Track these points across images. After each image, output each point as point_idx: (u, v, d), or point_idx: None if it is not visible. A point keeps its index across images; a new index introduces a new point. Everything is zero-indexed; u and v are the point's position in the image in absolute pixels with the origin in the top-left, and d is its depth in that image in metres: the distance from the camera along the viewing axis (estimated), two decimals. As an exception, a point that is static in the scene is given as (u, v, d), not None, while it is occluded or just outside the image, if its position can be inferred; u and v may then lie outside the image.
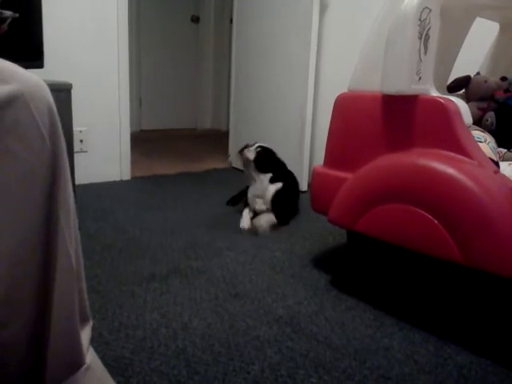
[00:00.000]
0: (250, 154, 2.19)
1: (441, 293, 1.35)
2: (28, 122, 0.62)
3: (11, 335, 0.68)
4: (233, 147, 3.56)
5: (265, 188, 2.22)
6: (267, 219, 2.16)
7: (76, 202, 2.01)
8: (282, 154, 2.91)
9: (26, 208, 0.65)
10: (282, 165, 2.33)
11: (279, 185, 2.23)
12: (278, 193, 2.21)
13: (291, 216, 2.30)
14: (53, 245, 0.71)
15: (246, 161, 2.22)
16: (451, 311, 1.34)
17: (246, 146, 2.25)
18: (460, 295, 1.31)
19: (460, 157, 1.25)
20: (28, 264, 0.68)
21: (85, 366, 0.78)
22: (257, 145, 2.25)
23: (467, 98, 1.79)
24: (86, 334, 0.81)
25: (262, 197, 2.23)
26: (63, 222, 0.71)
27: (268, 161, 2.24)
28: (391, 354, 1.19)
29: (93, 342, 1.17)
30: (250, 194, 2.28)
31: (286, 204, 2.24)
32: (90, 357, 0.81)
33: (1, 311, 0.66)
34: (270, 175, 2.22)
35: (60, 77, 2.00)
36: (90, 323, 0.86)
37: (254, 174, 2.23)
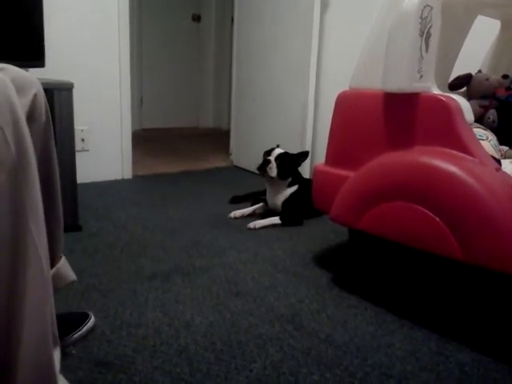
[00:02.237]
0: (273, 172, 2.19)
1: (442, 290, 1.35)
2: None
3: None
4: (234, 146, 3.56)
5: (280, 193, 2.27)
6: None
7: (78, 201, 2.01)
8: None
9: None
10: (300, 156, 2.32)
11: (294, 187, 2.26)
12: (291, 195, 2.25)
13: (309, 215, 2.28)
14: (22, 249, 0.65)
15: (268, 177, 2.23)
16: (453, 309, 1.34)
17: (265, 162, 2.21)
18: (462, 293, 1.31)
19: (462, 155, 1.25)
20: None
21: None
22: (274, 155, 2.22)
23: (469, 96, 1.78)
24: (57, 359, 0.75)
25: (276, 203, 2.29)
26: (34, 229, 0.67)
27: (288, 168, 2.24)
28: (393, 351, 1.20)
29: (95, 339, 1.18)
30: (270, 201, 2.32)
31: (298, 205, 2.25)
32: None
33: None
34: (289, 180, 2.26)
35: (61, 76, 2.00)
36: (59, 345, 0.80)
37: (276, 182, 2.26)
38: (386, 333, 1.28)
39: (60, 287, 1.04)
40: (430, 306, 1.39)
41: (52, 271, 0.96)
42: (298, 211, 2.24)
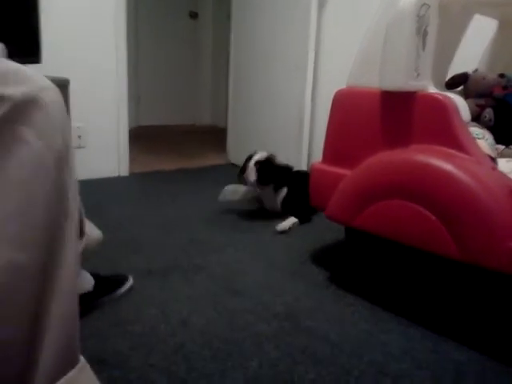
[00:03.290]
0: (251, 177, 2.17)
1: (438, 289, 1.36)
2: (41, 117, 0.70)
3: (6, 331, 0.67)
4: (231, 143, 3.56)
5: (272, 199, 2.28)
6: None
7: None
8: (281, 150, 2.91)
9: (36, 189, 0.70)
10: (284, 169, 2.31)
11: (284, 191, 2.25)
12: (284, 200, 2.25)
13: (312, 212, 2.27)
14: (63, 231, 0.73)
15: (249, 182, 2.20)
16: (449, 307, 1.35)
17: (245, 167, 2.22)
18: (458, 291, 1.31)
19: (458, 153, 1.26)
20: (33, 246, 0.69)
21: (79, 365, 0.77)
22: (254, 160, 2.20)
23: (465, 95, 1.78)
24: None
25: (274, 207, 2.29)
26: (73, 210, 0.75)
27: (268, 174, 2.21)
28: (389, 349, 1.20)
29: (92, 336, 1.18)
30: (267, 206, 2.33)
31: (297, 205, 2.24)
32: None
33: None
34: (272, 185, 2.25)
35: (57, 72, 1.99)
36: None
37: (260, 189, 2.26)
38: (382, 331, 1.29)
39: (92, 248, 1.17)
40: (426, 305, 1.40)
41: (84, 237, 1.08)
42: (299, 208, 2.23)
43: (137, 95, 4.82)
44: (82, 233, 1.07)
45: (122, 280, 1.44)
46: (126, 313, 1.31)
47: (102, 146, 2.84)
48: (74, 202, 0.77)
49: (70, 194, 0.75)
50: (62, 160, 0.73)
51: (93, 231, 1.18)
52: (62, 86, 1.88)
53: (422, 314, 1.37)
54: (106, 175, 2.88)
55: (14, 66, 0.72)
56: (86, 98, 2.69)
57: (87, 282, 1.29)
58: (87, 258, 1.17)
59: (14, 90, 0.67)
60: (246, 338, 1.22)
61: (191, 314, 1.33)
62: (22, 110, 0.68)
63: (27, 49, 1.95)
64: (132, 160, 3.05)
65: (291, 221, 2.15)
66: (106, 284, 1.37)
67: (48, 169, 0.71)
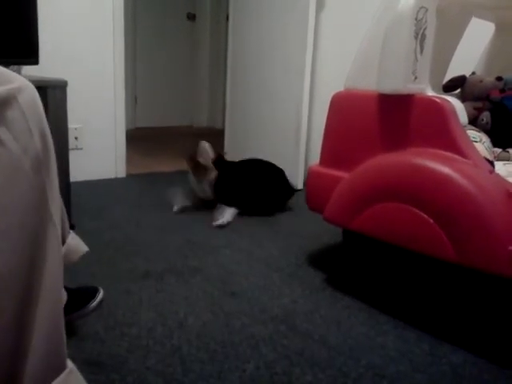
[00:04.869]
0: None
1: (436, 291, 1.36)
2: (17, 117, 0.68)
3: None
4: (229, 145, 3.56)
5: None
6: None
7: (71, 200, 2.00)
8: (278, 152, 2.92)
9: (11, 193, 0.68)
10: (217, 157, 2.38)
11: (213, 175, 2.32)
12: (215, 185, 2.31)
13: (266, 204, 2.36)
14: (43, 236, 0.71)
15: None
16: (446, 310, 1.35)
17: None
18: (455, 294, 1.31)
19: (455, 156, 1.26)
20: (9, 253, 0.67)
21: (67, 370, 0.75)
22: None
23: (463, 98, 1.79)
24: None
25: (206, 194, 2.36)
26: (54, 213, 0.73)
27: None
28: (386, 352, 1.20)
29: (88, 339, 1.17)
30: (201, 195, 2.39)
31: (230, 190, 2.31)
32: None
33: None
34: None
35: (55, 74, 1.99)
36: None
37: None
38: (380, 333, 1.29)
39: (74, 261, 1.09)
40: (423, 307, 1.40)
41: (64, 247, 1.03)
42: (233, 194, 2.29)
43: (134, 97, 4.81)
44: (62, 242, 1.00)
45: (92, 293, 1.28)
46: (123, 315, 1.31)
47: (99, 147, 2.84)
48: (55, 207, 0.74)
49: (50, 198, 0.73)
50: (41, 163, 0.71)
51: (76, 243, 1.12)
52: (60, 87, 1.88)
53: (419, 317, 1.37)
54: (102, 177, 2.87)
55: None
56: (84, 100, 2.69)
57: None
58: (66, 270, 1.02)
59: None
60: (242, 341, 1.22)
61: (188, 316, 1.32)
62: None
63: (25, 50, 1.94)
64: (129, 161, 3.04)
65: (230, 213, 2.19)
66: (76, 298, 1.21)
67: (25, 172, 0.69)
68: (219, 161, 2.34)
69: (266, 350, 1.18)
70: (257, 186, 2.36)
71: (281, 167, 2.48)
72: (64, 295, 1.07)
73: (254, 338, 1.23)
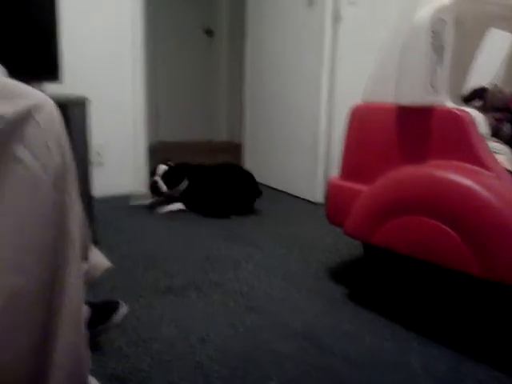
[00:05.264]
0: (163, 188, 2.54)
1: (460, 306, 1.34)
2: (34, 134, 0.69)
3: (13, 355, 0.66)
4: (248, 159, 3.57)
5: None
6: None
7: (93, 214, 2.02)
8: (297, 165, 2.93)
9: (32, 211, 0.68)
10: (183, 165, 2.65)
11: (185, 184, 2.60)
12: (184, 192, 2.60)
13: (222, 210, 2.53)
14: (63, 250, 0.71)
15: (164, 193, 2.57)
16: (470, 325, 1.33)
17: (154, 183, 2.56)
18: (479, 308, 1.29)
19: (477, 168, 1.24)
20: (32, 270, 0.68)
21: None
22: (159, 173, 2.55)
23: (483, 109, 1.77)
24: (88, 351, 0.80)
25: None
26: (74, 229, 0.74)
27: (173, 178, 2.59)
28: (410, 368, 1.18)
29: (112, 354, 1.18)
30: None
31: (197, 196, 2.59)
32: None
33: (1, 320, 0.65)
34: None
35: (77, 91, 2.04)
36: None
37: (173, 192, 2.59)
38: (403, 349, 1.27)
39: (96, 276, 1.09)
40: (447, 323, 1.37)
41: (86, 264, 1.02)
42: (199, 200, 2.55)
43: (156, 110, 4.88)
44: (85, 258, 1.01)
45: (114, 307, 1.27)
46: (146, 331, 1.32)
47: (120, 162, 2.88)
48: (76, 224, 0.75)
49: (70, 215, 0.73)
50: (60, 179, 0.71)
51: (99, 259, 1.11)
52: (82, 104, 1.92)
53: (443, 332, 1.35)
54: (124, 191, 2.90)
55: (7, 82, 0.71)
56: (106, 116, 2.73)
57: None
58: (90, 286, 1.08)
59: (7, 108, 0.66)
60: (264, 356, 1.21)
61: (209, 331, 1.33)
62: (14, 127, 0.66)
63: (47, 68, 1.99)
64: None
65: (176, 206, 2.51)
66: (100, 312, 1.22)
67: (45, 190, 0.69)
68: (176, 171, 2.57)
69: (289, 366, 1.17)
70: (223, 190, 2.58)
71: (250, 172, 2.74)
72: (87, 310, 1.12)
73: (275, 354, 1.22)
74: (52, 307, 0.70)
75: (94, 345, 1.20)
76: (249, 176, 2.66)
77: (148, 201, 2.67)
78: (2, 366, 0.65)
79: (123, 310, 1.27)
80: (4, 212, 0.66)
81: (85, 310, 1.13)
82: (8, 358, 0.66)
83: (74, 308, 0.74)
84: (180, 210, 2.56)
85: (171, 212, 2.55)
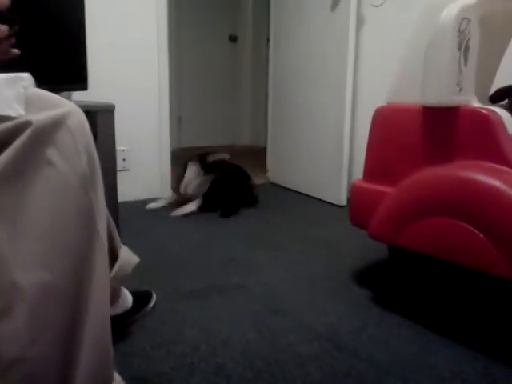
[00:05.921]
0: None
1: (488, 309, 1.30)
2: (66, 139, 0.72)
3: (41, 350, 0.68)
4: (271, 163, 3.57)
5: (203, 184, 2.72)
6: None
7: (119, 219, 2.05)
8: (321, 168, 2.92)
9: (61, 210, 0.71)
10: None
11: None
12: (212, 185, 2.68)
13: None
14: (91, 252, 0.73)
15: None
16: (499, 328, 1.29)
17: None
18: (508, 311, 1.26)
19: (505, 168, 1.22)
20: (60, 267, 0.70)
21: (115, 383, 0.79)
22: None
23: (511, 109, 1.73)
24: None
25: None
26: (102, 231, 0.76)
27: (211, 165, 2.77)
28: (437, 372, 1.16)
29: (135, 356, 1.19)
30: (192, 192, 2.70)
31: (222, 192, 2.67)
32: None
33: (29, 323, 0.67)
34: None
35: (103, 98, 2.07)
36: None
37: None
38: (430, 353, 1.24)
39: (128, 272, 1.17)
40: (474, 325, 1.34)
41: (118, 261, 1.11)
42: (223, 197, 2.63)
43: (178, 117, 4.93)
44: (115, 257, 1.09)
45: (148, 296, 1.44)
46: (169, 333, 1.32)
47: (145, 168, 2.91)
48: (103, 225, 0.77)
49: (98, 216, 0.75)
50: (88, 182, 0.74)
51: (128, 256, 1.19)
52: (108, 111, 1.95)
53: (471, 335, 1.31)
54: (149, 196, 2.94)
55: (40, 92, 0.75)
56: (130, 122, 2.77)
57: (127, 300, 1.30)
58: (122, 282, 1.20)
59: (40, 115, 0.70)
60: (288, 359, 1.20)
61: (232, 334, 1.32)
62: (47, 132, 0.70)
63: (75, 77, 2.03)
64: (174, 181, 3.10)
65: (189, 208, 2.55)
66: (137, 301, 1.37)
67: (74, 191, 0.72)
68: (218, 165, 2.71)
69: (313, 369, 1.16)
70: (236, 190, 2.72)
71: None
72: (130, 298, 1.31)
73: (300, 357, 1.21)
74: (79, 305, 0.72)
75: (118, 347, 1.22)
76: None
77: (162, 203, 2.73)
78: (31, 360, 0.67)
79: (155, 298, 1.42)
80: (35, 210, 0.69)
81: (127, 300, 1.29)
82: (36, 352, 0.67)
83: (101, 305, 0.76)
84: (192, 213, 2.59)
85: (186, 215, 2.57)
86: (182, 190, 2.67)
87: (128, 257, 1.19)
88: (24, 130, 0.68)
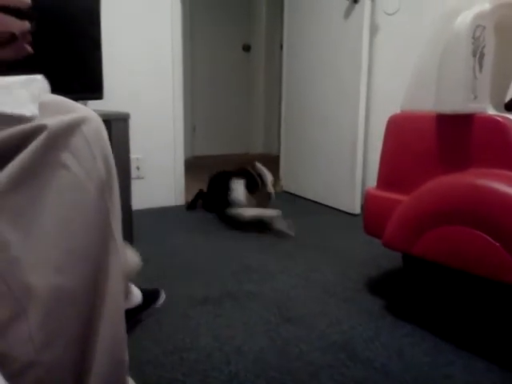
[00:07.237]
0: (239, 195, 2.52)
1: (504, 319, 1.28)
2: (80, 144, 0.72)
3: (54, 354, 0.68)
4: (284, 171, 3.58)
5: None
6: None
7: (133, 227, 2.06)
8: (334, 176, 2.91)
9: (76, 214, 0.71)
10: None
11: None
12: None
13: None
14: (106, 256, 0.73)
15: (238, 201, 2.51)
16: (517, 339, 1.27)
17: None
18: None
19: (521, 176, 1.20)
20: (75, 271, 0.70)
21: None
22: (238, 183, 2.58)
23: (527, 116, 1.72)
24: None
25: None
26: (117, 235, 0.76)
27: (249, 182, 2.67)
28: (452, 382, 1.14)
29: (148, 363, 1.19)
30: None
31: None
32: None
33: (44, 327, 0.67)
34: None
35: (118, 107, 2.10)
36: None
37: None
38: (445, 363, 1.23)
39: (132, 277, 1.23)
40: (489, 336, 1.32)
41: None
42: None
43: (192, 126, 4.96)
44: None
45: (156, 293, 1.49)
46: (181, 340, 1.32)
47: (159, 176, 2.93)
48: (118, 229, 0.77)
49: (114, 220, 0.75)
50: (104, 187, 0.74)
51: (131, 258, 1.22)
52: (123, 119, 1.97)
53: (487, 346, 1.29)
54: (162, 204, 2.95)
55: (56, 98, 0.76)
56: (145, 131, 2.80)
57: (137, 296, 1.33)
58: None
59: (55, 119, 0.70)
60: (300, 368, 1.20)
61: (245, 341, 1.32)
62: (61, 137, 0.70)
63: (91, 86, 2.06)
64: (187, 189, 3.12)
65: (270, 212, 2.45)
66: (146, 297, 1.41)
67: (89, 195, 0.72)
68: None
69: (325, 378, 1.15)
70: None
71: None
72: (139, 294, 1.35)
73: (312, 366, 1.21)
74: (94, 308, 0.72)
75: (131, 353, 1.22)
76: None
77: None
78: (45, 364, 0.67)
79: (163, 297, 1.49)
80: (50, 212, 0.69)
81: (137, 296, 1.34)
82: (49, 356, 0.67)
83: (116, 309, 0.76)
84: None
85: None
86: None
87: (132, 259, 1.23)
88: (40, 133, 0.68)
